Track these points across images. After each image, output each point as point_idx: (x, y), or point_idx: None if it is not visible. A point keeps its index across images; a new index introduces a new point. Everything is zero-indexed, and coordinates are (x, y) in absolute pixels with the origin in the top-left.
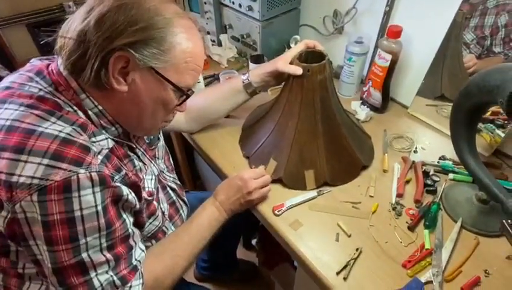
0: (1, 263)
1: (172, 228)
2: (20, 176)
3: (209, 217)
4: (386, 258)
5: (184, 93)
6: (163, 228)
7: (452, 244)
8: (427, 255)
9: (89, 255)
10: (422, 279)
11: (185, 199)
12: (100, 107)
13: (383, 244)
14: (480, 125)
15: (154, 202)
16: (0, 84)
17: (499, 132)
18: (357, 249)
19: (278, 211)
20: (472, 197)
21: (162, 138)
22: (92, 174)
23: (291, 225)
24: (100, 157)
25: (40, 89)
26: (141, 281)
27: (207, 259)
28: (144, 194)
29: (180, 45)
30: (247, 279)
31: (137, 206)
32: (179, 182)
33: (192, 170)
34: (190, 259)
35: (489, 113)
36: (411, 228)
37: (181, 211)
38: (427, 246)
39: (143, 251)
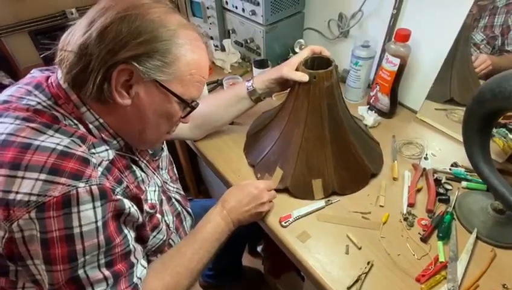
0: (1, 283)
1: (179, 240)
2: (17, 193)
3: (214, 229)
4: (399, 271)
5: (189, 105)
6: (170, 241)
7: (468, 257)
8: (441, 269)
9: (85, 272)
10: None
11: (189, 210)
12: (101, 120)
13: (395, 257)
14: (493, 130)
15: (158, 215)
16: None
17: None
18: (368, 263)
19: (285, 222)
20: (487, 206)
21: (165, 148)
22: (92, 187)
23: (298, 237)
24: (100, 169)
25: (38, 102)
26: None
27: (212, 267)
28: (146, 207)
29: (185, 57)
30: (253, 287)
31: (140, 219)
32: (182, 193)
33: (196, 175)
34: (193, 276)
35: (501, 117)
36: (424, 240)
37: (184, 223)
38: (441, 258)
39: (145, 268)
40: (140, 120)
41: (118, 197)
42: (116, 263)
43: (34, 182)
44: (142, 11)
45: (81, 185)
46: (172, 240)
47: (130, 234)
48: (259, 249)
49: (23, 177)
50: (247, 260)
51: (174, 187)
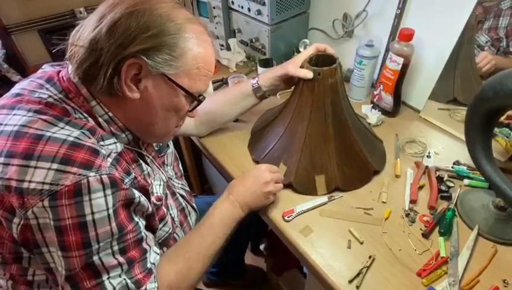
0: (12, 270)
1: (183, 234)
2: (30, 182)
3: (221, 214)
4: (400, 266)
5: (196, 99)
6: (174, 235)
7: (469, 253)
8: (442, 264)
9: (100, 258)
10: (438, 288)
11: (194, 205)
12: (110, 114)
13: (397, 252)
14: (495, 129)
15: (163, 208)
16: (10, 91)
17: None
18: (369, 257)
19: (288, 217)
20: (488, 203)
21: (171, 145)
22: (103, 176)
23: (301, 231)
24: (110, 159)
25: (50, 96)
26: (156, 284)
27: (215, 264)
28: (153, 199)
29: (192, 51)
30: (255, 285)
31: (150, 209)
32: (187, 189)
33: (200, 174)
34: (205, 261)
35: (504, 117)
36: (425, 235)
37: (189, 218)
38: (443, 254)
39: (158, 253)
40: (148, 113)
41: (127, 186)
42: (130, 250)
43: (46, 172)
44: (150, 6)
45: (92, 174)
46: (177, 234)
47: (141, 222)
48: (261, 247)
49: (35, 167)
50: (249, 258)
51: (179, 183)
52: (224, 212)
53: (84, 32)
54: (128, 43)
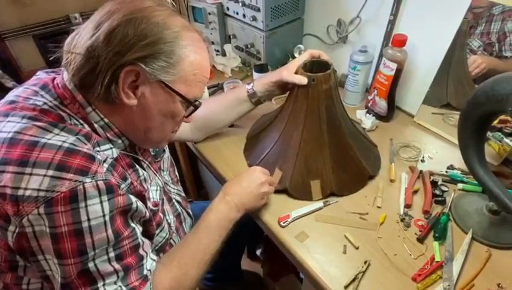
0: (6, 279)
1: (179, 240)
2: (26, 189)
3: (217, 217)
4: (395, 271)
5: (192, 104)
6: (171, 241)
7: (463, 257)
8: (437, 268)
9: (95, 265)
10: None
11: (189, 211)
12: (106, 120)
13: (392, 257)
14: (488, 134)
15: (160, 213)
16: (5, 98)
17: (508, 140)
18: (365, 262)
19: (284, 223)
20: (482, 207)
21: (167, 150)
22: (99, 182)
23: (297, 237)
24: (106, 165)
25: (45, 103)
26: None
27: (211, 270)
28: (149, 205)
29: (188, 58)
30: None
31: (147, 214)
32: (183, 194)
33: (196, 179)
34: (201, 266)
35: (497, 121)
36: (420, 240)
37: (184, 224)
38: (437, 258)
39: (154, 260)
40: (145, 120)
41: (124, 192)
42: (126, 256)
43: (42, 178)
44: (147, 14)
45: (88, 180)
46: (173, 240)
47: (138, 228)
48: (258, 252)
49: (31, 174)
50: (246, 264)
51: (175, 189)
52: (220, 213)
53: (81, 39)
54: (126, 51)
